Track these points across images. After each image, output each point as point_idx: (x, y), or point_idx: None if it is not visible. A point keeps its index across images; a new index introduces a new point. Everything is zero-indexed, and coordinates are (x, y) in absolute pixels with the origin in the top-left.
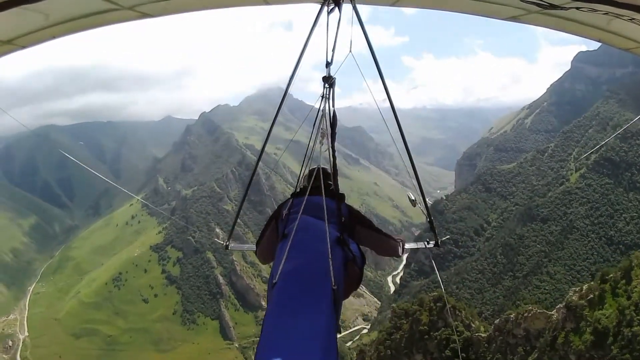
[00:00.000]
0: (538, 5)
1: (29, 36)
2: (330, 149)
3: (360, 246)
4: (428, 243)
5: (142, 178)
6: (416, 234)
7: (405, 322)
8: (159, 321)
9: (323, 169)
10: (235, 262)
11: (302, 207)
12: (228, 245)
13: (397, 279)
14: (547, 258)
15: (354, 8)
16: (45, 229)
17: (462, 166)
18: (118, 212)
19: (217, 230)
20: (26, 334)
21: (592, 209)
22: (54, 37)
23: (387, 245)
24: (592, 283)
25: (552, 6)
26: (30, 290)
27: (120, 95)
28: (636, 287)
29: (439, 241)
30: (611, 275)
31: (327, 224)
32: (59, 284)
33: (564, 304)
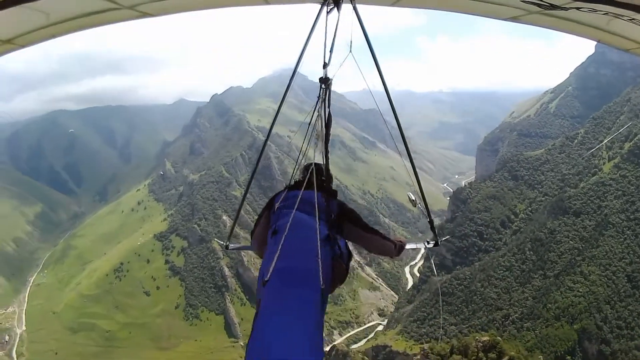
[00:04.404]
0: (538, 5)
1: (29, 35)
2: (324, 149)
3: (352, 243)
4: (428, 243)
5: (151, 163)
6: (435, 223)
7: None
8: (160, 316)
9: (318, 165)
10: (243, 253)
11: (291, 202)
12: (228, 245)
13: (415, 270)
14: (581, 256)
15: (354, 8)
16: (50, 217)
17: (483, 151)
18: (125, 197)
19: (224, 217)
20: (23, 328)
21: (628, 203)
22: (53, 36)
23: (377, 244)
24: None
25: (553, 6)
26: (31, 282)
27: (130, 78)
28: None
29: (439, 241)
30: None
31: (318, 222)
32: (60, 274)
33: None
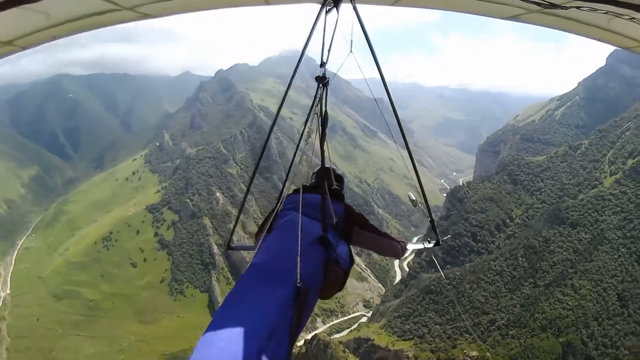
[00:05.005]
0: (538, 4)
1: (29, 37)
2: (321, 149)
3: (362, 247)
4: (429, 242)
5: (151, 133)
6: (428, 218)
7: None
8: (145, 288)
9: (327, 168)
10: (234, 233)
11: (294, 205)
12: (230, 245)
13: (405, 265)
14: (573, 269)
15: (354, 8)
16: (45, 180)
17: (484, 152)
18: (121, 166)
19: (218, 194)
20: (8, 291)
21: (625, 220)
22: (54, 37)
23: (386, 246)
24: None
25: (553, 5)
26: (19, 245)
27: (139, 47)
28: None
29: (440, 240)
30: None
31: (300, 218)
32: (49, 239)
33: None
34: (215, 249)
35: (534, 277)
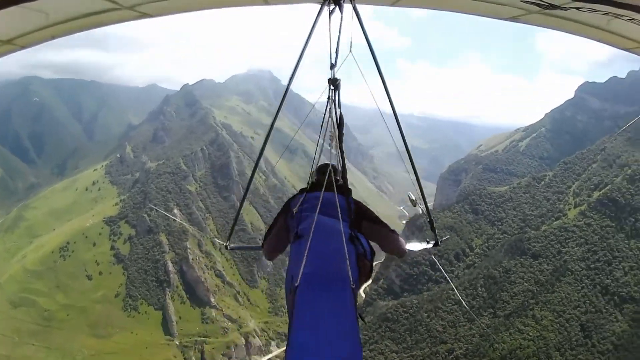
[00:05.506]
0: (538, 5)
1: (29, 36)
2: (339, 149)
3: (369, 241)
4: (428, 242)
5: (113, 144)
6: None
7: None
8: (99, 302)
9: (332, 165)
10: (189, 250)
11: (310, 205)
12: (228, 245)
13: (361, 291)
14: (535, 300)
15: (354, 8)
16: (7, 184)
17: (446, 180)
18: (82, 175)
19: (175, 210)
20: None
21: (589, 252)
22: (53, 37)
23: (393, 242)
24: None
25: (552, 6)
26: None
27: (109, 55)
28: None
29: (439, 241)
30: None
31: (341, 223)
32: (8, 244)
33: None
34: (170, 266)
35: (493, 307)
